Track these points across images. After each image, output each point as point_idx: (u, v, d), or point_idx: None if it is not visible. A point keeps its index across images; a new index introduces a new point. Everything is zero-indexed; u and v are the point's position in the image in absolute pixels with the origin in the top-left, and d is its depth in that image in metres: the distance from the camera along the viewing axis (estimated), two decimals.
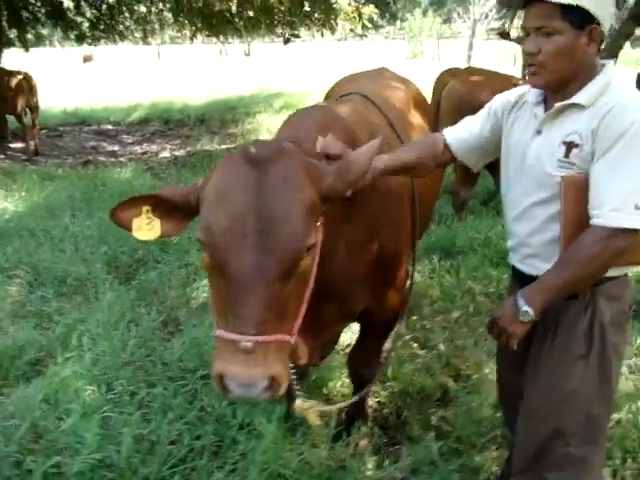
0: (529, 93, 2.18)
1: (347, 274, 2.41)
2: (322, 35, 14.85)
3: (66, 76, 27.54)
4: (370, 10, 13.73)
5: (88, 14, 15.52)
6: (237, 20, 14.63)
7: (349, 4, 13.13)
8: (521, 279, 2.22)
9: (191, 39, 17.28)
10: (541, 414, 2.14)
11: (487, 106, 2.39)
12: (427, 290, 4.80)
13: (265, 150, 1.78)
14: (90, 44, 16.93)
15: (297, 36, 13.48)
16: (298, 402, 2.29)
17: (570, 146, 1.97)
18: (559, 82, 2.01)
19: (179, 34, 18.80)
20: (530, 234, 2.16)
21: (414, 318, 4.41)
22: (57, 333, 4.11)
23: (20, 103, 11.32)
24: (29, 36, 16.91)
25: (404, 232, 2.73)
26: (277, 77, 23.24)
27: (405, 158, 2.33)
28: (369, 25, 13.37)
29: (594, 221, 1.90)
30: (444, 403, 3.52)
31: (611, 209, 1.84)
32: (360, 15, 13.43)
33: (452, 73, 6.73)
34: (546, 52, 1.95)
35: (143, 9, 15.68)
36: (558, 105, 2.02)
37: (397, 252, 2.66)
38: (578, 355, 2.07)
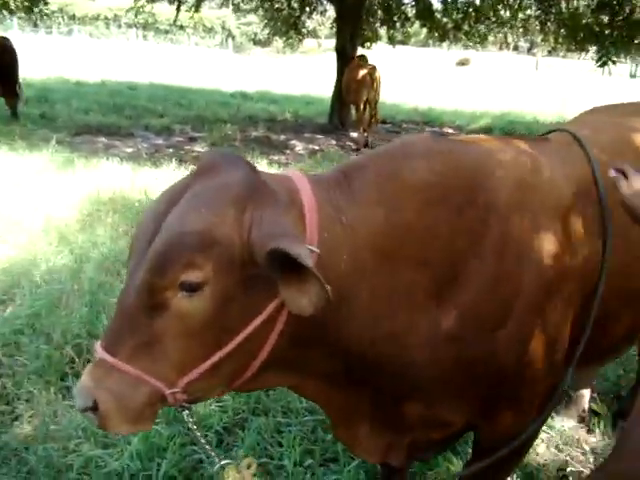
0: None
1: (432, 373, 1.82)
2: None
3: (437, 76, 28.71)
4: None
5: (454, 16, 15.60)
6: (607, 34, 13.19)
7: None
8: None
9: (550, 51, 16.28)
10: None
11: None
12: None
13: (214, 156, 1.58)
14: (450, 44, 17.14)
15: (613, 62, 11.50)
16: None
17: None
18: None
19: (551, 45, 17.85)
20: None
21: None
22: None
23: (362, 95, 11.79)
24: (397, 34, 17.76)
25: (545, 341, 1.91)
26: None
27: None
28: None
29: None
30: None
31: None
32: None
33: None
34: None
35: (508, 13, 15.20)
36: None
37: (520, 367, 1.88)
38: None
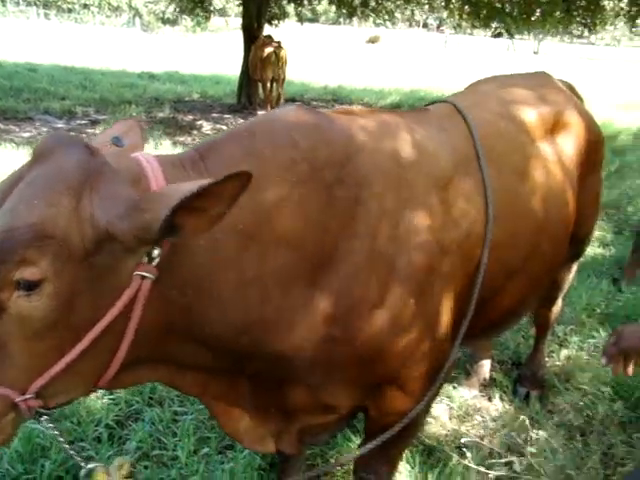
0: None
1: (312, 357, 1.75)
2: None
3: (347, 54, 28.77)
4: None
5: None
6: (507, 11, 13.54)
7: None
8: None
9: (455, 27, 16.62)
10: None
11: None
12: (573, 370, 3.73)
13: (48, 143, 1.40)
14: (360, 21, 17.25)
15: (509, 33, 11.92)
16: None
17: None
18: None
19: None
20: None
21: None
22: None
23: (267, 73, 11.71)
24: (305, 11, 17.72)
25: (426, 319, 1.89)
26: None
27: None
28: None
29: None
30: None
31: None
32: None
33: None
34: None
35: None
36: None
37: (401, 346, 1.84)
38: None
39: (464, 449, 2.98)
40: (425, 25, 62.28)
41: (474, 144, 2.09)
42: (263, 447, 2.02)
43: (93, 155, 1.38)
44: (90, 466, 1.61)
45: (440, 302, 1.91)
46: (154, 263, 1.37)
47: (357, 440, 2.93)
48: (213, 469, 2.70)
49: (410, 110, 2.22)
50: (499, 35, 11.45)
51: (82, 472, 1.61)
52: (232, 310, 1.58)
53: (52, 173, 1.33)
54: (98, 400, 3.09)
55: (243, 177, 1.27)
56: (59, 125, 10.76)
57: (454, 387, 3.49)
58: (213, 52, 27.84)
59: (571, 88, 3.01)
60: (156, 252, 1.36)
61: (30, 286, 1.28)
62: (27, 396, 1.37)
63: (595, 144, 2.74)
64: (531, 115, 2.44)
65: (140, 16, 50.37)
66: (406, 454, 2.81)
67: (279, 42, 12.00)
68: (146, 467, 2.69)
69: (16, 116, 11.12)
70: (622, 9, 10.28)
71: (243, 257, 1.55)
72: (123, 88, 14.92)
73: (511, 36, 12.20)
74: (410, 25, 60.79)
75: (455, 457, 2.88)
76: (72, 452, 1.60)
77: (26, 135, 9.66)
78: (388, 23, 20.15)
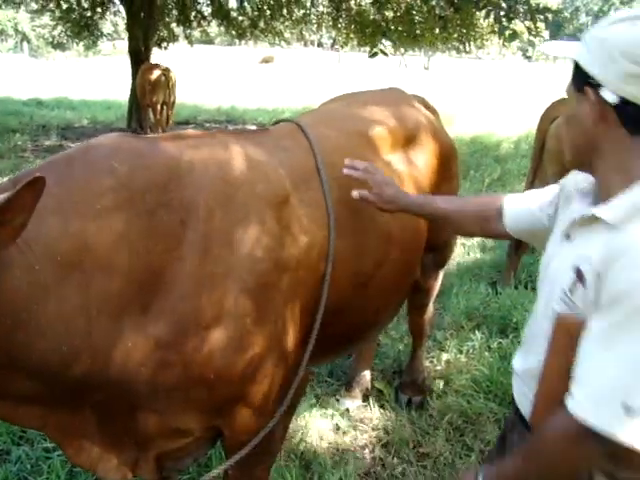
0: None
1: (150, 381, 1.73)
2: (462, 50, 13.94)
3: (241, 75, 28.78)
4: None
5: (250, 14, 15.76)
6: (391, 31, 13.99)
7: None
8: (517, 413, 1.67)
9: (342, 46, 17.01)
10: None
11: (562, 181, 1.71)
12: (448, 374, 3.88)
13: None
14: (253, 42, 17.33)
15: (384, 53, 12.37)
16: None
17: (579, 277, 1.37)
18: (576, 164, 1.51)
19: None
20: (529, 370, 1.58)
21: None
22: None
23: (156, 97, 11.57)
24: (195, 33, 17.66)
25: (266, 336, 1.88)
26: (453, 94, 22.07)
27: (441, 205, 2.03)
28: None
29: (567, 401, 1.33)
30: None
31: (587, 395, 1.28)
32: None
33: (564, 104, 5.47)
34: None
35: (302, 11, 15.68)
36: (583, 214, 1.43)
37: (241, 366, 1.83)
38: None
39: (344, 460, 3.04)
40: (320, 44, 63.40)
41: (315, 161, 2.15)
42: (118, 476, 1.96)
43: None
44: None
45: (282, 319, 1.93)
46: None
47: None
48: None
49: (249, 131, 2.25)
50: (374, 55, 11.73)
51: None
52: (57, 340, 1.54)
53: None
54: None
55: (37, 183, 1.28)
56: None
57: (337, 400, 3.54)
58: (105, 76, 27.23)
59: (424, 103, 3.14)
60: None
61: None
62: None
63: (447, 155, 2.88)
64: (379, 130, 2.53)
65: (28, 40, 48.63)
66: (282, 471, 2.84)
67: (167, 67, 11.89)
68: None
69: None
70: (492, 26, 10.81)
71: (63, 286, 1.52)
72: (7, 116, 14.30)
73: (385, 55, 12.56)
74: (305, 45, 61.55)
75: (333, 470, 2.92)
76: None
77: None
78: (283, 43, 20.31)
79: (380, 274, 2.31)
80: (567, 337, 1.39)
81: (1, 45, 51.49)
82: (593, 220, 1.38)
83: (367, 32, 14.54)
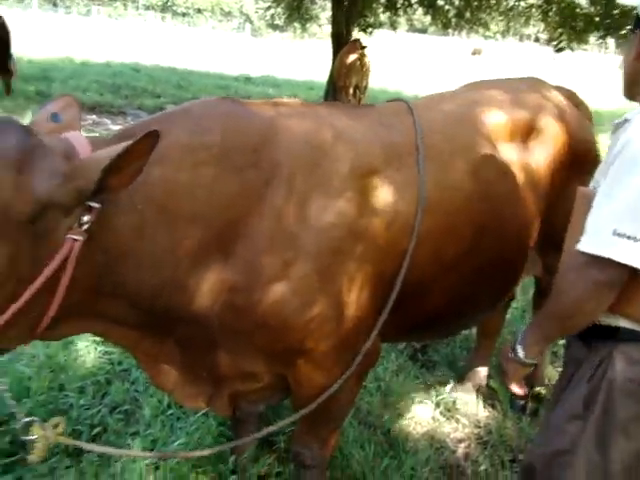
0: None
1: (222, 322, 1.93)
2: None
3: (450, 66, 28.51)
4: None
5: (457, 3, 15.60)
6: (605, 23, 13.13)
7: None
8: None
9: (550, 41, 16.18)
10: (538, 467, 1.84)
11: None
12: None
13: None
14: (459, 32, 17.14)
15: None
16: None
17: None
18: (626, 95, 1.83)
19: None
20: None
21: None
22: None
23: (349, 80, 11.86)
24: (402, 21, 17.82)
25: (331, 297, 1.98)
26: None
27: None
28: None
29: (576, 246, 1.64)
30: None
31: (588, 234, 1.60)
32: None
33: None
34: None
35: (511, 2, 15.17)
36: (614, 122, 1.79)
37: (304, 320, 1.96)
38: (574, 414, 1.75)
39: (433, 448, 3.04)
40: (537, 39, 60.65)
41: (415, 140, 2.18)
42: (193, 404, 2.22)
43: (29, 135, 1.56)
44: (27, 420, 1.79)
45: (353, 285, 2.01)
46: (84, 228, 1.57)
47: None
48: (173, 427, 2.92)
49: (353, 106, 2.32)
50: (560, 50, 11.04)
51: (19, 424, 1.79)
52: (148, 274, 1.78)
53: None
54: (91, 355, 3.39)
55: (153, 135, 1.49)
56: None
57: (446, 390, 3.52)
58: (313, 58, 28.35)
59: (570, 96, 2.97)
60: (86, 218, 1.56)
61: None
62: None
63: (582, 153, 2.71)
64: (497, 118, 2.49)
65: (251, 22, 51.96)
66: (362, 439, 2.92)
67: (364, 48, 12.11)
68: (117, 420, 2.97)
69: (111, 110, 11.87)
70: None
71: (157, 228, 1.74)
72: (216, 89, 15.53)
73: (571, 49, 11.81)
74: (520, 39, 59.24)
75: (415, 455, 2.94)
76: (13, 402, 1.81)
77: (116, 128, 10.27)
78: (498, 36, 19.86)
79: (469, 261, 2.29)
80: (585, 201, 1.68)
81: (226, 25, 55.47)
82: (623, 123, 1.69)
83: (577, 27, 13.80)
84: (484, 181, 2.32)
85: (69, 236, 1.56)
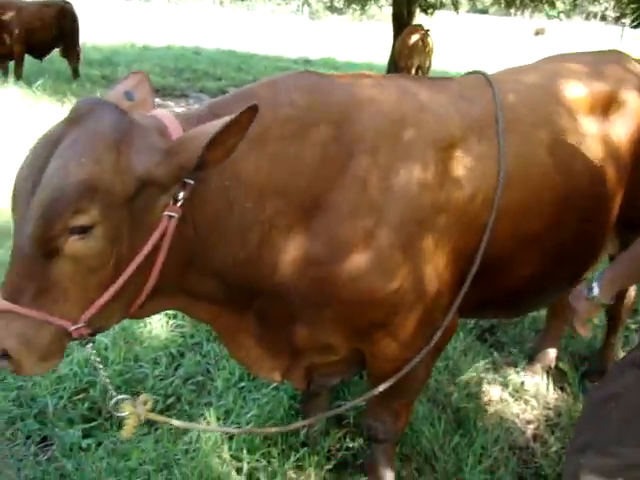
0: None
1: (302, 294, 1.95)
2: None
3: (512, 46, 27.89)
4: None
5: None
6: None
7: None
8: None
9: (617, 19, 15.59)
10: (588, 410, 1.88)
11: None
12: None
13: (83, 106, 1.59)
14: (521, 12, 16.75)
15: None
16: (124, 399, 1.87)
17: None
18: None
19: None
20: None
21: None
22: None
23: (411, 61, 11.76)
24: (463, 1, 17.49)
25: (412, 270, 1.97)
26: None
27: None
28: None
29: None
30: None
31: None
32: None
33: None
34: None
35: None
36: None
37: (385, 293, 1.95)
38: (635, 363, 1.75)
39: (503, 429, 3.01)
40: (603, 17, 58.54)
41: (495, 113, 2.14)
42: (270, 376, 2.25)
43: (123, 114, 1.60)
44: (119, 397, 1.85)
45: (433, 258, 2.00)
46: (178, 204, 1.61)
47: None
48: (245, 399, 2.98)
49: (433, 78, 2.29)
50: (638, 26, 10.50)
51: (112, 402, 1.85)
52: (235, 247, 1.82)
53: (91, 134, 1.53)
54: (164, 329, 3.48)
55: (253, 110, 1.52)
56: None
57: (515, 371, 3.48)
58: (373, 40, 28.12)
59: None
60: (181, 195, 1.61)
61: (83, 230, 1.50)
62: (79, 325, 1.60)
63: None
64: (578, 91, 2.42)
65: (309, 4, 51.79)
66: (432, 417, 2.92)
67: (427, 30, 11.97)
68: (190, 391, 3.05)
69: (173, 93, 12.04)
70: None
71: (244, 202, 1.78)
72: (276, 71, 15.48)
73: None
74: (587, 18, 57.32)
75: (485, 434, 2.92)
76: (107, 380, 1.87)
77: (179, 110, 10.44)
78: (562, 15, 19.31)
79: (550, 237, 2.25)
80: None
81: (284, 8, 55.43)
82: None
83: None
84: (565, 154, 2.26)
85: (166, 213, 1.60)
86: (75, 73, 11.92)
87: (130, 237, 1.59)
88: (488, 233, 2.05)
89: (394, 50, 13.12)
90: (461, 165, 2.03)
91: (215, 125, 1.50)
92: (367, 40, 28.68)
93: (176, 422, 2.08)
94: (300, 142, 1.83)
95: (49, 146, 1.53)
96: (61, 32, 11.26)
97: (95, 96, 1.75)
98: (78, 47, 11.84)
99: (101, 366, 1.82)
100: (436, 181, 1.97)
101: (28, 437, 2.79)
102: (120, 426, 2.73)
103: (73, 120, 1.56)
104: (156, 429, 2.74)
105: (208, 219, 1.74)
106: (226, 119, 1.49)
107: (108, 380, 1.87)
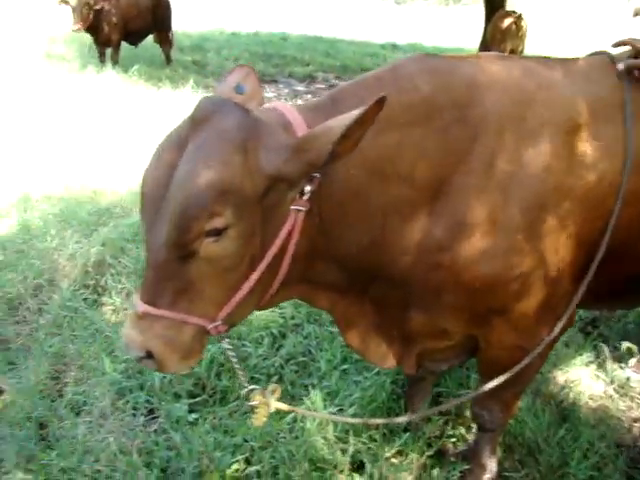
0: None
1: (424, 279, 1.94)
2: None
3: (610, 29, 26.72)
4: None
5: None
6: None
7: None
8: None
9: None
10: None
11: None
12: None
13: (207, 106, 1.60)
14: None
15: None
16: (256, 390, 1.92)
17: None
18: None
19: None
20: None
21: None
22: None
23: (504, 45, 11.47)
24: None
25: (535, 256, 1.91)
26: None
27: None
28: None
29: None
30: None
31: None
32: None
33: None
34: None
35: None
36: None
37: (506, 278, 1.91)
38: None
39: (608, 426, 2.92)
40: None
41: (623, 95, 2.03)
42: (384, 363, 2.25)
43: (246, 113, 1.60)
44: (251, 387, 1.91)
45: (556, 244, 1.94)
46: (305, 198, 1.64)
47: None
48: (348, 381, 3.00)
49: (557, 59, 2.20)
50: None
51: (244, 391, 1.92)
52: (359, 234, 1.83)
53: (218, 135, 1.54)
54: (269, 314, 3.53)
55: (381, 101, 1.48)
56: (299, 88, 11.61)
57: (620, 366, 3.36)
58: (462, 25, 27.51)
59: None
60: (308, 188, 1.63)
61: (218, 232, 1.54)
62: (217, 323, 1.67)
63: None
64: None
65: None
66: (535, 408, 2.86)
67: (520, 14, 11.64)
68: (292, 371, 3.11)
69: (263, 78, 12.17)
70: None
71: (369, 189, 1.78)
72: (364, 57, 15.47)
73: None
74: None
75: (592, 430, 2.84)
76: (241, 372, 1.91)
77: (270, 95, 10.59)
78: None
79: None
80: None
81: None
82: None
83: None
84: None
85: (293, 207, 1.63)
86: (168, 59, 12.26)
87: (262, 234, 1.62)
88: (614, 220, 1.96)
89: (485, 34, 12.82)
90: (587, 149, 1.95)
91: (344, 119, 1.49)
92: (454, 25, 28.07)
93: (302, 411, 2.12)
94: (424, 127, 1.81)
95: (175, 149, 1.56)
96: (155, 20, 11.61)
97: (215, 96, 1.75)
98: (171, 34, 12.16)
99: (235, 359, 1.86)
100: (562, 164, 1.90)
101: (135, 409, 2.91)
102: (222, 402, 2.83)
103: (198, 121, 1.57)
104: None
105: (334, 209, 1.75)
106: (355, 113, 1.47)
107: (241, 373, 1.90)
